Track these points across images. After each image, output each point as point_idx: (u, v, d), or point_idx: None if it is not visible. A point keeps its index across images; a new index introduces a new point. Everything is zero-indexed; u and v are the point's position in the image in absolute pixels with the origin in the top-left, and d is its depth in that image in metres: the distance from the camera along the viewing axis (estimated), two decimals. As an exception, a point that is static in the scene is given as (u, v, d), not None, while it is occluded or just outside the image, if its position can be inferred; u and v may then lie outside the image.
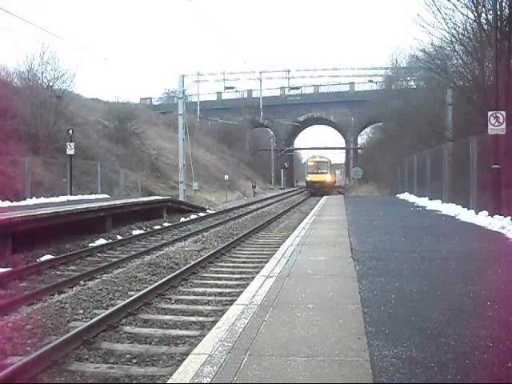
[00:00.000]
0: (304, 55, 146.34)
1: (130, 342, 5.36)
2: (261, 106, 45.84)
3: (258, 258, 10.56)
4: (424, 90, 26.28)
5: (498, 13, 13.22)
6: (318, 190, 39.31)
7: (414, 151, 22.16)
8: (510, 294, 4.41)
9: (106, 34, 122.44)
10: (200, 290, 7.84)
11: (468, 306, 4.00)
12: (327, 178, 42.32)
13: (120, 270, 9.30)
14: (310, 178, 42.62)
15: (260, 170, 58.16)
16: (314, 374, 2.66)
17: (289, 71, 34.98)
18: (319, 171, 42.31)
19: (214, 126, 55.76)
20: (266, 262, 6.51)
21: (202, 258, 9.90)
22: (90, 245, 12.17)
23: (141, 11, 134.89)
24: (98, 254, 11.03)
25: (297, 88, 48.92)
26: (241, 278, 8.49)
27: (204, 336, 3.62)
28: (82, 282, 8.19)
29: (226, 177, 35.47)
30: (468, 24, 16.04)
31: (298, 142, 73.45)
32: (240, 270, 9.35)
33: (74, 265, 9.92)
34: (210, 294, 7.51)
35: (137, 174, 27.76)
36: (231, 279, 8.53)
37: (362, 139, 61.31)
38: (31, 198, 16.45)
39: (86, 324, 5.50)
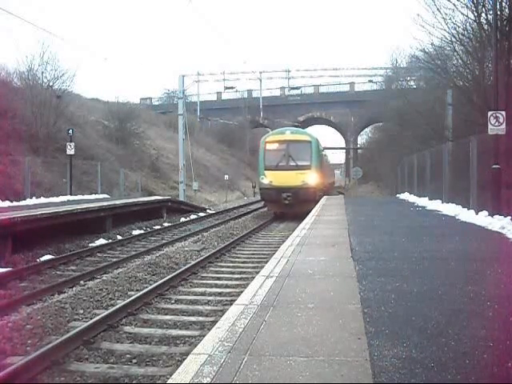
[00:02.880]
0: (304, 55, 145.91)
1: (130, 342, 5.37)
2: (261, 106, 45.79)
3: (258, 257, 10.57)
4: (424, 90, 26.25)
5: (498, 13, 13.22)
6: (287, 206, 18.84)
7: (414, 151, 22.13)
8: (510, 294, 4.40)
9: (106, 33, 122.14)
10: (200, 290, 7.85)
11: (468, 306, 3.99)
12: (309, 178, 19.11)
13: (120, 269, 9.31)
14: (268, 178, 19.28)
15: (260, 170, 57.98)
16: (314, 374, 2.65)
17: (289, 71, 35.01)
18: (291, 164, 19.22)
19: (214, 126, 55.71)
20: (266, 262, 6.49)
21: (201, 258, 9.91)
22: (90, 245, 12.18)
23: (141, 11, 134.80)
24: (98, 254, 11.04)
25: (297, 88, 48.93)
26: (241, 278, 8.50)
27: (204, 336, 3.61)
28: (82, 282, 8.20)
29: (226, 177, 35.46)
30: (468, 24, 16.06)
31: (298, 142, 73.07)
32: (240, 269, 9.36)
33: (74, 265, 9.93)
34: (209, 294, 7.52)
35: (137, 174, 27.78)
36: (231, 279, 8.54)
37: (361, 139, 61.28)
38: (31, 198, 16.46)
39: (86, 324, 5.51)
